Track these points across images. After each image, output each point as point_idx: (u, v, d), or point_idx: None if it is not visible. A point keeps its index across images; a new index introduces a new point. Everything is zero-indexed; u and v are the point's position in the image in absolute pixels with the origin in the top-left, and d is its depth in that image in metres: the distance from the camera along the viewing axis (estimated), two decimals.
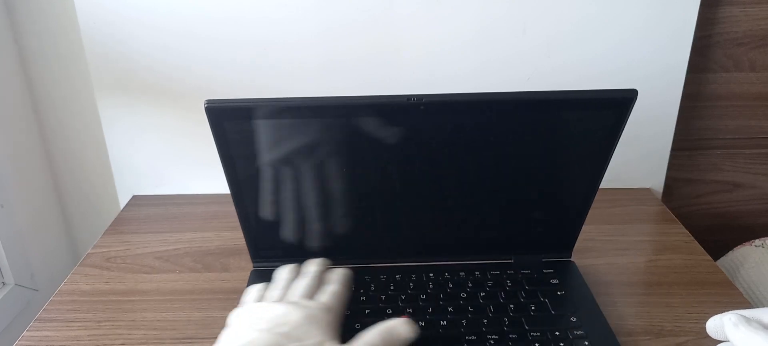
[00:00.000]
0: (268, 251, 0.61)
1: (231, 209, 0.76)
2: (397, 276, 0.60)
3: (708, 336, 0.52)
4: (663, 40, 0.73)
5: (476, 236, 0.61)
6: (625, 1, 0.71)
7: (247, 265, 0.65)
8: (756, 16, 0.77)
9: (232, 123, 0.50)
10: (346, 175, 0.54)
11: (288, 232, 0.59)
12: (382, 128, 0.51)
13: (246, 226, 0.58)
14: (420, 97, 0.48)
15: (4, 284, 0.75)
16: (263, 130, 0.51)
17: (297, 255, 0.60)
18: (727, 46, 0.79)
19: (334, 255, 0.61)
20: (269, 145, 0.51)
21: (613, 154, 0.80)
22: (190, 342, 0.54)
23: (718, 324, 0.44)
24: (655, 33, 0.73)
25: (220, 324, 0.55)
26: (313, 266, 0.52)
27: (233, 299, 0.59)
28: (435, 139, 0.52)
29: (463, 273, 0.60)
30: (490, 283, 0.59)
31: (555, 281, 0.59)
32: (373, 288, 0.59)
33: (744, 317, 0.42)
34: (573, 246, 0.62)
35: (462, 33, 0.72)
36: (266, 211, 0.57)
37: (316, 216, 0.57)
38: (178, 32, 0.72)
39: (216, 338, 0.54)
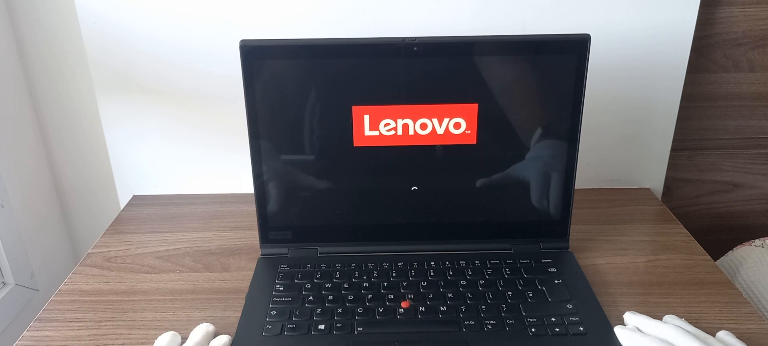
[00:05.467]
0: (276, 232, 0.63)
1: (231, 208, 0.77)
2: (399, 264, 0.62)
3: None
4: (663, 40, 0.73)
5: (471, 203, 0.64)
6: (625, 2, 0.71)
7: (247, 265, 0.65)
8: (755, 17, 0.77)
9: (261, 62, 0.58)
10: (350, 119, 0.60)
11: (297, 203, 0.63)
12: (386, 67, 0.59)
13: (259, 189, 0.62)
14: (413, 39, 0.57)
15: (4, 284, 0.75)
16: (283, 69, 0.59)
17: (303, 239, 0.64)
18: (727, 47, 0.79)
19: (340, 237, 0.64)
20: (287, 83, 0.59)
21: (613, 154, 0.80)
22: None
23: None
24: (655, 33, 0.73)
25: (220, 324, 0.55)
26: (198, 334, 0.52)
27: (233, 299, 0.59)
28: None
29: (463, 262, 0.62)
30: (489, 271, 0.60)
31: (553, 269, 0.61)
32: (375, 275, 0.60)
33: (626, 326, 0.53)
34: (568, 225, 0.64)
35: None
36: (279, 172, 0.62)
37: (322, 170, 0.62)
38: (178, 32, 0.72)
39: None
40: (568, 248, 0.65)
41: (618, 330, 0.51)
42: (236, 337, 0.52)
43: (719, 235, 0.92)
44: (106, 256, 0.68)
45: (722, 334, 0.50)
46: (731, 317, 0.56)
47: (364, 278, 0.60)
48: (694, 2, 0.72)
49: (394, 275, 0.60)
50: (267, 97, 0.59)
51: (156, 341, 0.51)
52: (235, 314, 0.56)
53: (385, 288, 0.58)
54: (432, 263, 0.61)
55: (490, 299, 0.56)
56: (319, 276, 0.60)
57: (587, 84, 0.58)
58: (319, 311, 0.55)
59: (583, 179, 0.80)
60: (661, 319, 0.53)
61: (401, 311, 0.55)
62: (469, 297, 0.57)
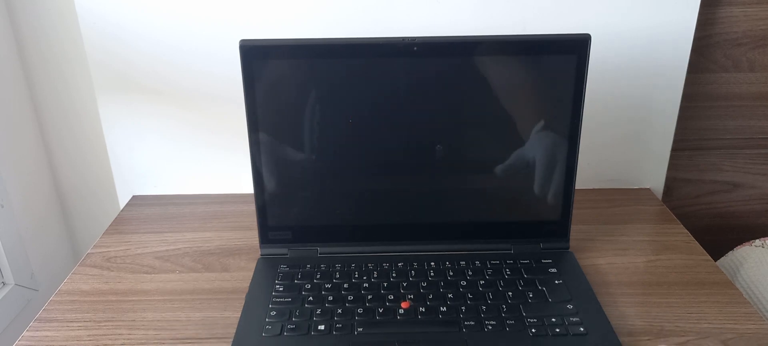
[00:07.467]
0: (276, 232, 0.63)
1: (231, 208, 0.77)
2: (399, 264, 0.62)
3: (708, 336, 0.52)
4: (663, 40, 0.73)
5: (471, 203, 0.64)
6: (625, 2, 0.71)
7: (247, 265, 0.65)
8: (755, 17, 0.77)
9: (261, 62, 0.58)
10: (352, 122, 0.60)
11: (297, 203, 0.63)
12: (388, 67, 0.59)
13: (259, 189, 0.62)
14: (413, 39, 0.57)
15: (4, 284, 0.75)
16: (283, 69, 0.59)
17: (303, 239, 0.64)
18: (727, 47, 0.79)
19: (340, 238, 0.64)
20: (287, 83, 0.59)
21: (613, 154, 0.80)
22: (190, 342, 0.54)
23: None
24: (655, 33, 0.73)
25: (220, 324, 0.55)
26: None
27: (233, 299, 0.59)
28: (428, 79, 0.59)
29: (463, 262, 0.62)
30: (489, 271, 0.60)
31: (553, 270, 0.61)
32: (375, 275, 0.60)
33: None
34: (568, 225, 0.64)
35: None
36: (279, 172, 0.62)
37: (322, 171, 0.62)
38: (178, 32, 0.72)
39: (216, 337, 0.54)
40: (568, 248, 0.65)
41: None
42: (236, 337, 0.52)
43: (719, 235, 0.92)
44: (106, 256, 0.68)
45: None
46: (731, 317, 0.56)
47: (364, 278, 0.60)
48: (694, 2, 0.72)
49: (394, 275, 0.60)
50: (267, 97, 0.59)
51: None
52: (235, 314, 0.56)
53: (385, 288, 0.58)
54: (432, 263, 0.61)
55: (490, 299, 0.56)
56: (319, 276, 0.60)
57: (587, 84, 0.58)
58: (319, 311, 0.55)
59: (583, 179, 0.80)
60: (660, 319, 0.53)
61: (401, 311, 0.55)
62: (469, 297, 0.57)
